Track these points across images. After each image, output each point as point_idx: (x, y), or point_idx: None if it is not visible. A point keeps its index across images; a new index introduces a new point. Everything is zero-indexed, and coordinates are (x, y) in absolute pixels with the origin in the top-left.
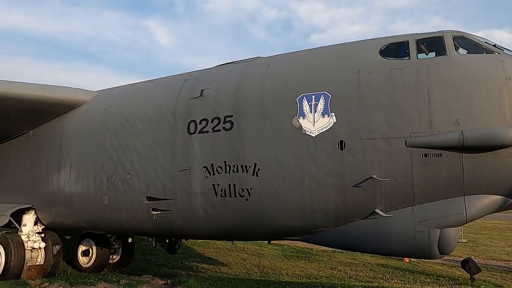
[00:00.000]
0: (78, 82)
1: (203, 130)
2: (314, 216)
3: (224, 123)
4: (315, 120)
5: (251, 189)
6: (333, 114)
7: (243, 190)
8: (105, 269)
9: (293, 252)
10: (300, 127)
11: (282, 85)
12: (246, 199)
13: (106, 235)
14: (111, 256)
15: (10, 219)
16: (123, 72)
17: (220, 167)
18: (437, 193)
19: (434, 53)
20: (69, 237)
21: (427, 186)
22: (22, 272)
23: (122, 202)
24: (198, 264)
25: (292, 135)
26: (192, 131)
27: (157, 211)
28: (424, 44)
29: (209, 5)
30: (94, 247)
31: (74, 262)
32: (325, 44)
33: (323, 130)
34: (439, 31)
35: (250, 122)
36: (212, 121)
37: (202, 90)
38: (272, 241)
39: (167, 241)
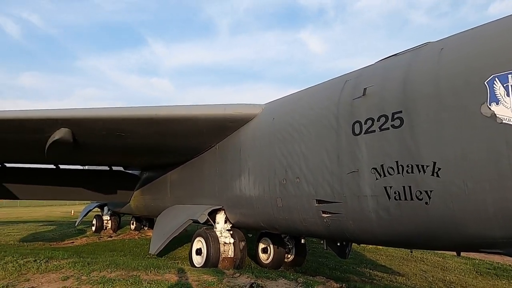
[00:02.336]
0: (247, 99)
1: (369, 130)
2: None
3: (392, 120)
4: None
5: (431, 191)
6: None
7: (421, 193)
8: (282, 267)
9: (489, 269)
10: (494, 115)
11: (463, 69)
12: (426, 203)
13: (280, 235)
14: (286, 255)
15: (208, 218)
16: (282, 84)
17: (391, 168)
18: None
19: None
20: (251, 235)
21: None
22: (219, 263)
23: (293, 204)
24: (370, 271)
25: (482, 125)
26: (357, 132)
27: (327, 214)
28: None
29: (360, 3)
30: (271, 246)
31: (255, 258)
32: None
33: None
34: None
35: (424, 116)
36: (378, 120)
37: (364, 89)
38: (461, 253)
39: (338, 244)
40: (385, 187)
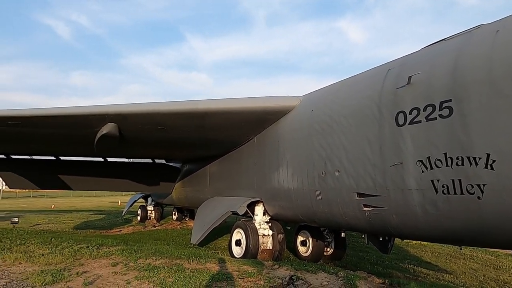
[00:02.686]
0: (282, 91)
1: (414, 121)
2: None
3: (440, 110)
4: None
5: (484, 185)
6: None
7: (472, 187)
8: (321, 260)
9: None
10: None
11: None
12: (478, 197)
13: (319, 228)
14: (325, 248)
15: (246, 210)
16: (319, 76)
17: (439, 160)
18: None
19: None
20: (290, 227)
21: None
22: (258, 254)
23: (333, 197)
24: (414, 267)
25: None
26: (401, 123)
27: (369, 208)
28: None
29: None
30: (310, 239)
31: (294, 251)
32: None
33: None
34: None
35: (476, 104)
36: (424, 110)
37: (409, 77)
38: None
39: (380, 239)
40: (432, 180)
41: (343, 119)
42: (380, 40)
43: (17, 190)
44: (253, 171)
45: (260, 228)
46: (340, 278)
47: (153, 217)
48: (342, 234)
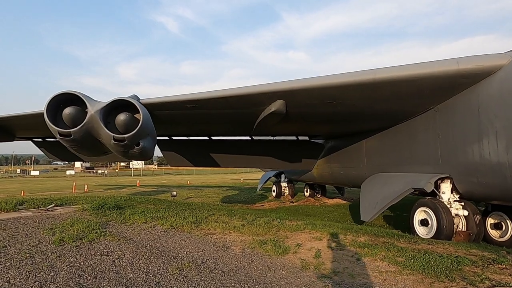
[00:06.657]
0: (388, 61)
1: None
2: None
3: None
4: None
5: None
6: None
7: None
8: None
9: None
10: None
11: None
12: None
13: None
14: None
15: (433, 187)
16: (431, 40)
17: None
18: None
19: None
20: (483, 208)
21: None
22: (453, 236)
23: None
24: None
25: None
26: None
27: None
28: None
29: None
30: (508, 221)
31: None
32: None
33: None
34: None
35: None
36: None
37: None
38: None
39: None
40: None
41: None
42: None
43: (153, 168)
44: (437, 144)
45: (452, 207)
46: None
47: (287, 193)
48: None
